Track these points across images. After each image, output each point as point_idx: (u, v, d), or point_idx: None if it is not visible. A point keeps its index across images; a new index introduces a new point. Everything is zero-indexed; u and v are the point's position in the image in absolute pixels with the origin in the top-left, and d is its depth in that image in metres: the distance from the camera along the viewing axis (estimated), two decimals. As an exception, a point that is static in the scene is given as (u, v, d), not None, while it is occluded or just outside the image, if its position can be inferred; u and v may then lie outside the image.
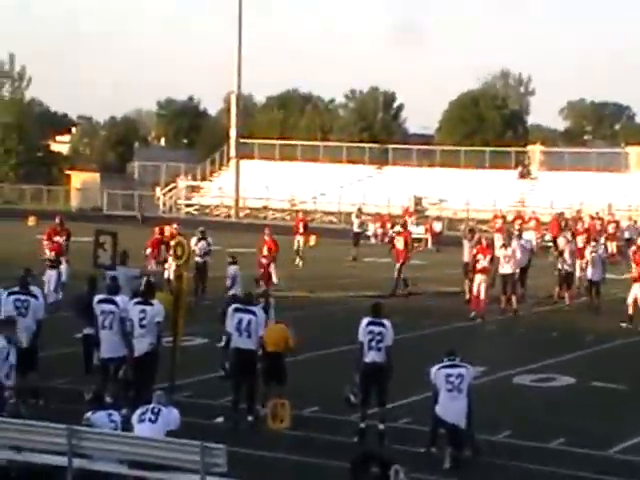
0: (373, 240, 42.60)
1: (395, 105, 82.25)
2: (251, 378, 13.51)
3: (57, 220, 24.29)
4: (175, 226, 26.67)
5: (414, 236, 44.49)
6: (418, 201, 54.10)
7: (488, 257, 23.39)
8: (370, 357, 12.94)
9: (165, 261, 23.31)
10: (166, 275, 22.56)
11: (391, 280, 26.67)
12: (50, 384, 11.84)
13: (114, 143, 79.71)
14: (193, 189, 64.03)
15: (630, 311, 22.43)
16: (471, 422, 12.21)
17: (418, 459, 11.92)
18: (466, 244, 25.90)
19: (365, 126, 76.52)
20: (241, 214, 58.57)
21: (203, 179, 65.09)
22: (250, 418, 13.41)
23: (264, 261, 25.08)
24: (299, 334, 14.40)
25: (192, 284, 21.68)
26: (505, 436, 13.27)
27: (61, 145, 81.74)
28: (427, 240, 45.32)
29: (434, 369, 12.37)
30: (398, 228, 32.77)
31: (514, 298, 23.83)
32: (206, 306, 21.42)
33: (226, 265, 21.43)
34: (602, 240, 30.69)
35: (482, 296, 23.13)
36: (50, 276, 21.90)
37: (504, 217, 42.92)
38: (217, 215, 59.15)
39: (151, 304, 13.44)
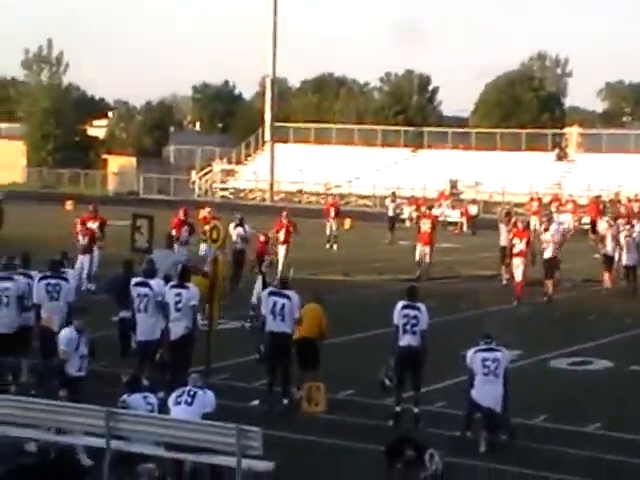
0: (408, 223, 42.46)
1: (430, 88, 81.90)
2: (285, 361, 13.55)
3: (91, 208, 24.10)
4: (208, 210, 26.71)
5: (449, 220, 44.79)
6: (453, 184, 53.77)
7: (524, 240, 23.23)
8: (405, 341, 12.92)
9: (187, 243, 23.11)
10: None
11: (422, 263, 26.29)
12: (88, 367, 11.94)
13: (150, 127, 79.99)
14: (228, 173, 64.14)
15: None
16: (507, 406, 12.17)
17: (453, 443, 11.89)
18: (503, 228, 25.69)
19: (400, 109, 76.12)
20: (276, 198, 58.55)
21: (238, 163, 65.18)
22: (285, 401, 13.45)
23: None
24: (333, 317, 14.40)
25: (230, 270, 21.50)
26: (541, 420, 13.22)
27: (98, 130, 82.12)
28: (462, 223, 45.15)
29: (470, 353, 12.32)
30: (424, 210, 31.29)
31: (550, 283, 23.65)
32: (241, 289, 21.48)
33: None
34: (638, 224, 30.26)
35: (518, 279, 23.00)
36: (82, 261, 22.16)
37: (540, 200, 42.66)
38: (252, 199, 59.22)
39: (186, 287, 13.52)
